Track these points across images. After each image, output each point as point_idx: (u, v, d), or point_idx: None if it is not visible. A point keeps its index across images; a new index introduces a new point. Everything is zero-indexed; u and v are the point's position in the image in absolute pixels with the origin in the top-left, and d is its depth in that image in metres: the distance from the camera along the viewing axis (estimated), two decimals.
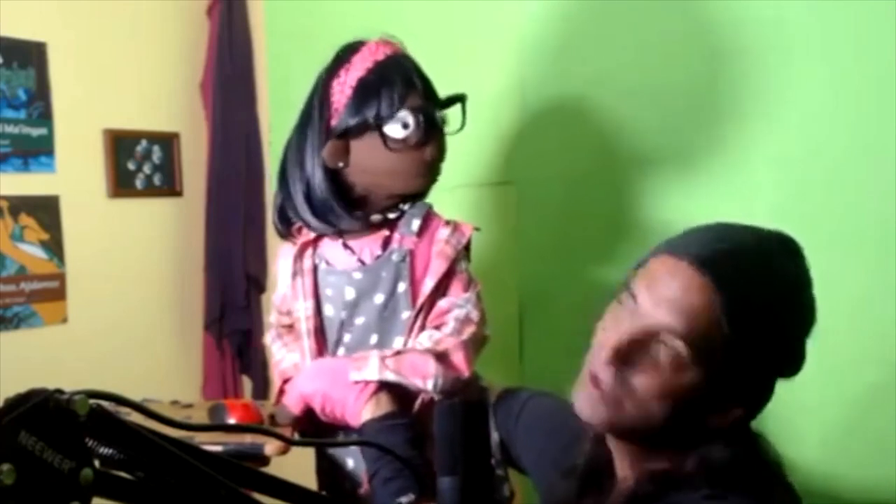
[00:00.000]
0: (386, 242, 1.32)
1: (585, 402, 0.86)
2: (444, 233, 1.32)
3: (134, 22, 2.34)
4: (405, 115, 1.23)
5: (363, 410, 1.20)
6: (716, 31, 1.49)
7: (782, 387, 0.86)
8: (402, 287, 1.30)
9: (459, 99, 1.30)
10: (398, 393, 1.23)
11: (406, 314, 1.29)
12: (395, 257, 1.30)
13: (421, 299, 1.29)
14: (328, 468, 1.38)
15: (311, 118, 1.28)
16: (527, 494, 1.43)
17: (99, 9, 2.26)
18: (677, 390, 0.81)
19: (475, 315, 1.30)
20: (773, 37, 1.42)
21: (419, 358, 1.23)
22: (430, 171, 1.30)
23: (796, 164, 1.41)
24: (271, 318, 1.44)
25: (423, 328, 1.30)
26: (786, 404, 0.89)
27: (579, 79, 1.68)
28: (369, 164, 1.26)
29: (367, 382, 1.21)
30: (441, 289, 1.30)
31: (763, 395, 0.85)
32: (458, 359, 1.25)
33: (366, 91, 1.24)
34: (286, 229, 1.36)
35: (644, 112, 1.58)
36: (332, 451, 1.37)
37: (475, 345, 1.29)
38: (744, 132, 1.47)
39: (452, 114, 1.31)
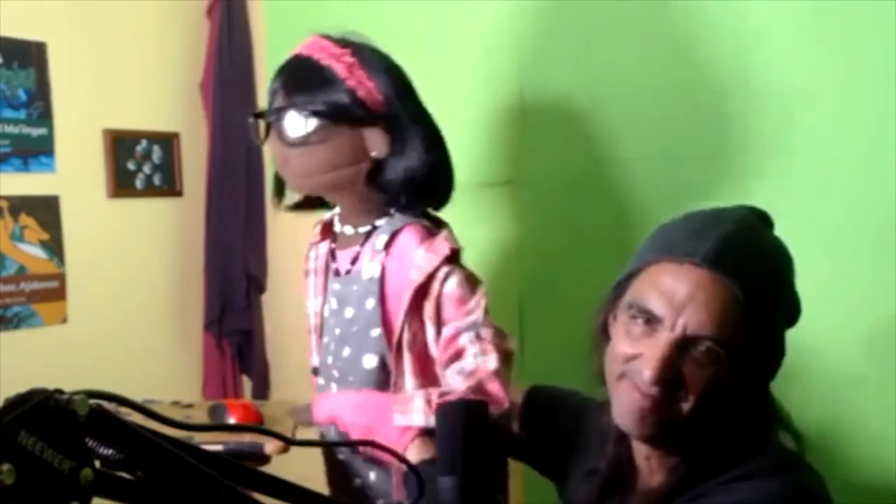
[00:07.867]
0: (356, 257, 1.31)
1: (635, 420, 0.86)
2: (417, 256, 1.24)
3: (134, 22, 2.34)
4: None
5: (407, 452, 1.14)
6: (717, 30, 1.49)
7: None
8: (370, 304, 1.27)
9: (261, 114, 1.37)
10: None
11: (376, 332, 1.26)
12: (363, 274, 1.29)
13: (395, 336, 1.24)
14: (340, 477, 1.37)
15: None
16: (529, 498, 1.43)
17: (99, 9, 2.25)
18: (722, 383, 0.83)
19: (486, 333, 1.23)
20: (776, 36, 1.42)
21: None
22: (280, 173, 1.36)
23: (798, 162, 1.41)
24: None
25: (422, 363, 1.25)
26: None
27: (579, 78, 1.67)
28: None
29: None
30: (416, 315, 1.24)
31: (780, 352, 0.89)
32: (495, 389, 1.19)
33: None
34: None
35: (644, 111, 1.58)
36: (357, 463, 1.34)
37: (505, 367, 1.22)
38: (744, 131, 1.47)
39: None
